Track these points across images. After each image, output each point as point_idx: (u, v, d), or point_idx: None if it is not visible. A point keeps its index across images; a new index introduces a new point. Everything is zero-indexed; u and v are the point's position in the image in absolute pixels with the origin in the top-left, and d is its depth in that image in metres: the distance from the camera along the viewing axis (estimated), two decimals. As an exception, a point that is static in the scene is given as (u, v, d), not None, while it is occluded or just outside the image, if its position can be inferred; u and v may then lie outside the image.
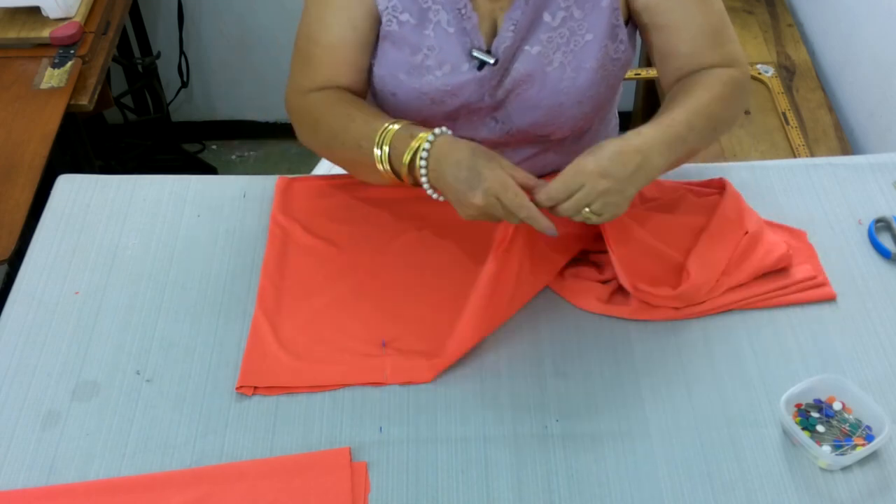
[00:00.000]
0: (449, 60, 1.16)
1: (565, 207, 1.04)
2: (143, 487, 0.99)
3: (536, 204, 1.05)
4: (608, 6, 1.13)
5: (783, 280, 1.17)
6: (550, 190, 1.05)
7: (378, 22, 1.17)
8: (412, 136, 1.09)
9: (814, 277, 1.17)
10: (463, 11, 1.13)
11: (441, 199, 1.11)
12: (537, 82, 1.18)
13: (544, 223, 1.04)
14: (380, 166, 1.11)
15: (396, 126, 1.11)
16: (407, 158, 1.08)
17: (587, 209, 1.04)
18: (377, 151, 1.11)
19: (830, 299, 1.16)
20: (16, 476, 1.01)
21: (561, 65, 1.17)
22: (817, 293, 1.16)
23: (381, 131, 1.11)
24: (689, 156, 1.14)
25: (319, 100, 1.20)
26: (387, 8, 1.14)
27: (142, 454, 1.02)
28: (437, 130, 1.09)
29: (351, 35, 1.17)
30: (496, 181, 1.02)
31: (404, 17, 1.14)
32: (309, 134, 1.22)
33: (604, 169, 1.03)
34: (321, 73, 1.20)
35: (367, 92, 1.25)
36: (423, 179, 1.09)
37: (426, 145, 1.07)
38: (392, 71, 1.18)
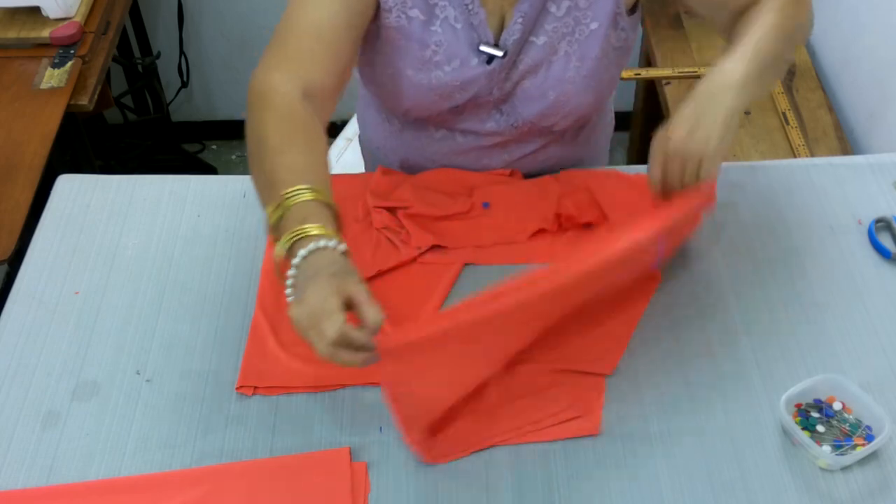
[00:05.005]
0: (458, 56, 1.16)
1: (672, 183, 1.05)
2: (143, 487, 0.99)
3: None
4: None
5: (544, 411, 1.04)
6: (651, 178, 1.07)
7: (374, 14, 1.14)
8: (302, 221, 0.93)
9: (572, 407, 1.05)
10: (470, 7, 1.13)
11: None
12: (542, 72, 1.18)
13: (360, 340, 0.89)
14: (267, 213, 0.98)
15: (299, 198, 0.95)
16: (281, 250, 0.94)
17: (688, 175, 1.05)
18: (268, 211, 0.97)
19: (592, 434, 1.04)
20: (16, 476, 1.01)
21: (566, 54, 1.17)
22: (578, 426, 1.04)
23: (285, 193, 0.96)
24: (776, 65, 1.11)
25: (278, 100, 1.05)
26: (396, 3, 1.14)
27: (142, 454, 1.02)
28: (323, 242, 0.92)
29: (342, 16, 1.09)
30: (315, 302, 0.88)
31: (413, 12, 1.14)
32: (249, 121, 1.07)
33: (682, 135, 1.03)
34: (296, 53, 1.09)
35: (337, 95, 1.11)
36: (292, 271, 0.93)
37: (301, 251, 0.92)
38: (399, 67, 1.18)
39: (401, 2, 1.13)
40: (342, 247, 0.93)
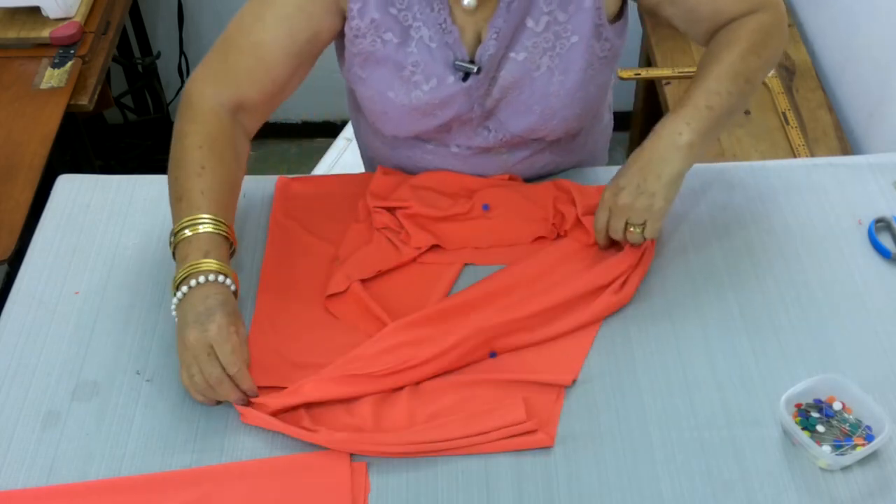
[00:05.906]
0: (435, 74, 1.16)
1: (614, 231, 1.15)
2: (143, 487, 0.99)
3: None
4: (591, 6, 1.13)
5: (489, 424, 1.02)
6: (595, 225, 1.17)
7: (324, 43, 1.17)
8: (205, 254, 1.06)
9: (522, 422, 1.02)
10: (443, 26, 1.13)
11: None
12: (526, 88, 1.18)
13: (247, 386, 1.03)
14: (172, 232, 1.09)
15: (208, 228, 1.07)
16: (182, 273, 1.05)
17: (631, 228, 1.13)
18: (177, 227, 1.08)
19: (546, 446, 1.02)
20: (16, 476, 1.01)
21: (548, 69, 1.16)
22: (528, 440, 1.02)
23: (196, 217, 1.07)
24: (729, 117, 1.14)
25: (204, 116, 1.13)
26: (370, 29, 1.14)
27: (142, 454, 1.02)
28: (221, 277, 1.05)
29: (285, 43, 1.14)
30: (220, 331, 1.02)
31: (387, 35, 1.14)
32: (176, 127, 1.15)
33: (618, 187, 1.12)
34: (235, 68, 1.15)
35: (270, 109, 1.20)
36: (175, 297, 1.05)
37: (201, 279, 1.04)
38: (380, 90, 1.18)
39: (374, 27, 1.13)
40: (233, 287, 1.07)
